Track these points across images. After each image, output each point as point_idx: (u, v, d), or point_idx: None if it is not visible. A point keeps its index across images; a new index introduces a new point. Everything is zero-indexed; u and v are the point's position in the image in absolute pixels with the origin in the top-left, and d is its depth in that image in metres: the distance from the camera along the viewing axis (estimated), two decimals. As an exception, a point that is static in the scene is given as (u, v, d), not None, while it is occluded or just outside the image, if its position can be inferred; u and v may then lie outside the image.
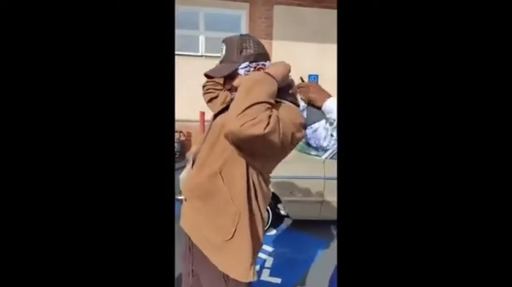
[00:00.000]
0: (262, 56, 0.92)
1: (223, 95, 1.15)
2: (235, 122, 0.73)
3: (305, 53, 4.92)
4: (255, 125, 0.71)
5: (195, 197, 0.96)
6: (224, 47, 0.92)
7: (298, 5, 4.86)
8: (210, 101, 1.20)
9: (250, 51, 0.90)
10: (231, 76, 0.91)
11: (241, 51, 0.89)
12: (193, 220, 0.96)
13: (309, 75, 4.86)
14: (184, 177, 1.06)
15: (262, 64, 0.91)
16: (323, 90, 1.01)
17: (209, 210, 0.91)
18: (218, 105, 1.10)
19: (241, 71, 0.90)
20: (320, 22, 4.94)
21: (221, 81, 1.14)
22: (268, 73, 0.83)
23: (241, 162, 0.86)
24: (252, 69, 0.90)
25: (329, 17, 4.93)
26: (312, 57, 4.94)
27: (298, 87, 1.04)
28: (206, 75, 0.93)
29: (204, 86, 1.23)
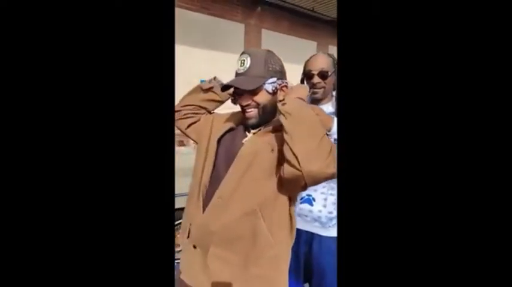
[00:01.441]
0: (284, 74, 0.89)
1: (208, 118, 1.00)
2: (315, 161, 0.67)
3: (200, 59, 4.77)
4: (331, 163, 0.68)
5: (217, 243, 0.77)
6: (248, 59, 0.82)
7: (187, 8, 4.69)
8: (189, 126, 1.00)
9: (276, 67, 0.85)
10: (255, 91, 0.82)
11: (268, 67, 0.83)
12: (211, 275, 0.76)
13: (202, 81, 4.72)
14: (189, 217, 0.86)
15: (286, 82, 0.86)
16: (326, 114, 1.02)
17: (242, 258, 0.76)
18: (206, 129, 0.95)
19: (267, 86, 0.83)
20: (207, 29, 4.91)
21: (203, 104, 1.01)
22: (301, 98, 0.79)
23: (284, 196, 0.78)
24: (278, 85, 0.84)
25: (215, 25, 4.96)
26: (205, 63, 4.83)
27: None
28: (228, 86, 0.85)
29: (178, 111, 1.00)
